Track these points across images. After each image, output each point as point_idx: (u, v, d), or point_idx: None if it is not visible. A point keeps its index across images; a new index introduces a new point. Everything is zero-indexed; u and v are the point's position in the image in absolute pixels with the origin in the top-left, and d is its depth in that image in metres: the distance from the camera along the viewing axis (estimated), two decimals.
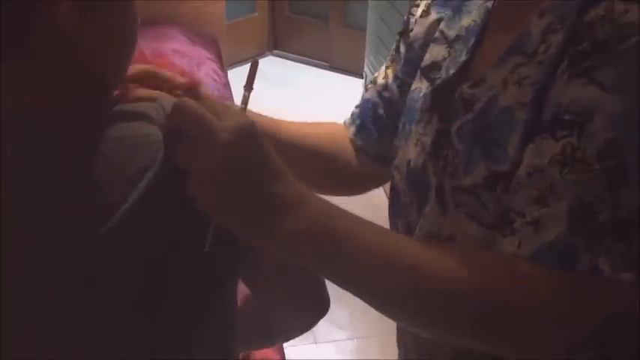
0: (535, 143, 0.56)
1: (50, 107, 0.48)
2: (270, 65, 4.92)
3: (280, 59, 5.02)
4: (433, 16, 0.78)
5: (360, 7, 4.05)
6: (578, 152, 0.51)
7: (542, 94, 0.58)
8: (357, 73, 4.05)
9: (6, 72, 0.47)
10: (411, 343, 0.80)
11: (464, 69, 0.69)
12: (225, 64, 3.40)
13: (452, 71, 0.70)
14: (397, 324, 0.85)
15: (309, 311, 0.72)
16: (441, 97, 0.70)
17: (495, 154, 0.60)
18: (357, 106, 0.92)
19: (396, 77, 0.85)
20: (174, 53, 2.57)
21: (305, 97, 4.25)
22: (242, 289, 0.69)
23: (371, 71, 3.40)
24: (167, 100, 0.57)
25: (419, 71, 0.78)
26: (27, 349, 0.48)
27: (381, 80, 0.88)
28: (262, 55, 5.01)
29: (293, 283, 0.68)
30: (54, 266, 0.46)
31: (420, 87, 0.76)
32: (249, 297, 0.75)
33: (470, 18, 0.72)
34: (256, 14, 4.86)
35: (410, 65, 0.81)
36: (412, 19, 0.83)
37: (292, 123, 0.87)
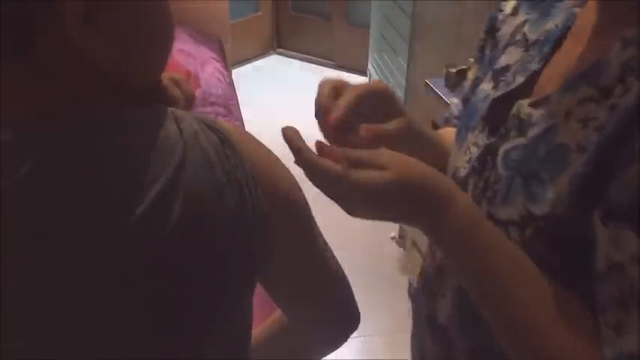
0: (609, 229, 0.50)
1: (63, 112, 0.47)
2: (274, 64, 4.92)
3: (284, 58, 5.02)
4: (521, 17, 0.71)
5: (363, 5, 4.05)
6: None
7: (608, 147, 0.51)
8: (361, 71, 4.05)
9: (14, 80, 0.47)
10: (430, 346, 0.77)
11: (532, 78, 0.63)
12: (229, 63, 3.40)
13: (520, 80, 0.64)
14: (414, 327, 0.82)
15: (341, 325, 0.70)
16: (499, 108, 0.65)
17: (536, 193, 0.56)
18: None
19: (476, 78, 0.80)
20: (178, 53, 2.57)
21: (309, 95, 4.23)
22: (265, 308, 0.67)
23: (374, 69, 3.39)
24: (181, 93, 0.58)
25: (491, 72, 0.72)
26: (38, 351, 0.48)
27: (467, 84, 0.82)
28: (266, 54, 5.02)
29: (322, 297, 0.67)
30: (65, 270, 0.46)
31: (486, 89, 0.71)
32: (277, 318, 0.74)
33: (554, 22, 0.65)
34: (260, 13, 4.86)
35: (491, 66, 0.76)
36: (500, 17, 0.75)
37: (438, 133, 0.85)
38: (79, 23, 0.44)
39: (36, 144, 0.45)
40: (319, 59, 4.86)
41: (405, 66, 2.73)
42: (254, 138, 0.59)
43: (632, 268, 0.47)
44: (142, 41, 0.51)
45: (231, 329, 0.58)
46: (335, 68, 4.76)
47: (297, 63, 4.92)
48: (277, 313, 0.74)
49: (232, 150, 0.53)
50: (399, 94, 2.83)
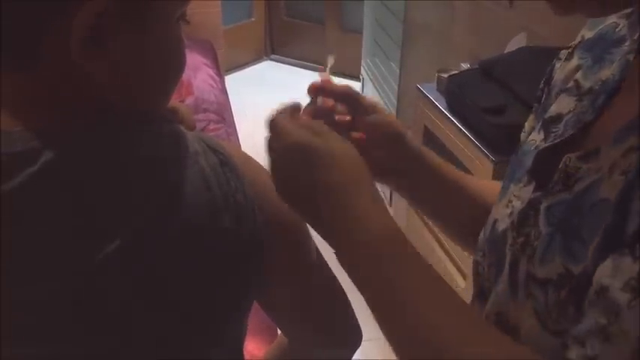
0: (613, 258, 0.46)
1: (63, 125, 0.47)
2: (268, 70, 4.93)
3: (277, 64, 5.03)
4: (574, 61, 0.67)
5: (357, 11, 4.06)
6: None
7: (631, 191, 0.48)
8: (354, 77, 4.06)
9: (17, 89, 0.47)
10: None
11: (583, 130, 0.59)
12: (222, 69, 3.41)
13: (570, 132, 0.61)
14: None
15: (343, 345, 0.70)
16: (546, 161, 0.61)
17: (575, 251, 0.52)
18: None
19: (531, 129, 0.75)
20: None
21: (302, 101, 4.25)
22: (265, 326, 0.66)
23: (367, 74, 3.40)
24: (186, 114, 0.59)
25: (540, 122, 0.68)
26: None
27: (522, 135, 0.76)
28: (259, 60, 5.02)
29: (322, 319, 0.66)
30: (55, 283, 0.46)
31: (535, 140, 0.67)
32: (280, 339, 0.74)
33: (610, 70, 0.61)
34: (253, 19, 4.87)
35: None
36: (557, 65, 0.71)
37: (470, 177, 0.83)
38: (84, 44, 0.44)
39: (35, 154, 0.45)
40: (313, 65, 4.87)
41: (398, 71, 2.74)
42: (256, 161, 0.59)
43: (622, 294, 0.44)
44: (150, 71, 0.50)
45: (224, 347, 0.58)
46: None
47: (290, 69, 4.92)
48: (280, 335, 0.74)
49: (232, 172, 0.53)
50: (392, 98, 2.84)
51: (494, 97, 1.65)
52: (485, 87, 1.72)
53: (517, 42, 1.91)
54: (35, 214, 0.45)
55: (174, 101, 0.59)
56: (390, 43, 2.88)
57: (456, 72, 1.95)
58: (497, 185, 0.79)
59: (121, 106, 0.50)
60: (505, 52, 1.92)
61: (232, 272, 0.53)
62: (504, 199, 0.67)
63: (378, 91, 3.15)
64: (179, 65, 0.53)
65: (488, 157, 1.56)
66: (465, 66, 2.04)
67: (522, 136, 0.75)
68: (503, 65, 1.74)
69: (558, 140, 0.61)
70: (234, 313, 0.56)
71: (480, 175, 1.62)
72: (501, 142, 1.54)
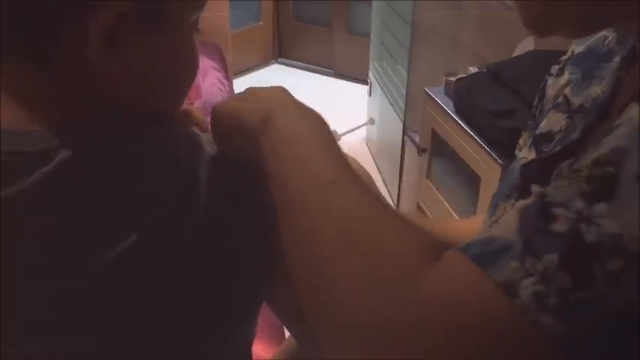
0: None
1: (77, 124, 0.48)
2: (275, 73, 4.94)
3: (285, 67, 5.04)
4: (566, 77, 0.67)
5: (364, 14, 4.07)
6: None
7: None
8: (362, 80, 4.07)
9: (31, 87, 0.47)
10: None
11: (573, 146, 0.58)
12: (230, 73, 3.42)
13: (557, 148, 0.60)
14: None
15: None
16: (536, 177, 0.59)
17: None
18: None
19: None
20: None
21: (310, 104, 4.27)
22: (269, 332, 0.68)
23: (375, 77, 3.40)
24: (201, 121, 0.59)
25: (531, 138, 0.68)
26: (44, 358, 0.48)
27: (517, 152, 0.75)
28: (267, 63, 5.04)
29: None
30: (66, 283, 0.46)
31: (526, 157, 0.67)
32: (288, 342, 0.74)
33: (600, 87, 0.60)
34: (261, 23, 4.88)
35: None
36: (549, 81, 0.70)
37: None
38: (102, 44, 0.44)
39: (51, 154, 0.45)
40: (320, 68, 4.88)
41: (405, 74, 2.74)
42: None
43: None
44: (165, 73, 0.51)
45: (234, 347, 0.58)
46: (335, 77, 4.77)
47: (298, 72, 4.93)
48: (289, 337, 0.74)
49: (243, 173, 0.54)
50: (400, 102, 2.84)
51: (502, 101, 1.65)
52: (493, 90, 1.72)
53: (525, 45, 1.90)
54: (50, 213, 0.46)
55: (187, 104, 0.60)
56: (397, 46, 2.88)
57: (464, 75, 1.95)
58: (467, 223, 0.79)
59: (136, 108, 0.50)
60: (513, 55, 1.92)
61: (244, 271, 0.54)
62: (494, 216, 0.66)
63: (385, 94, 3.15)
64: (193, 69, 0.53)
65: (496, 160, 1.56)
66: (473, 69, 2.03)
67: (517, 153, 0.74)
68: (511, 69, 1.74)
69: (544, 156, 0.60)
70: (245, 313, 0.57)
71: (488, 178, 1.62)
72: (510, 146, 1.54)
